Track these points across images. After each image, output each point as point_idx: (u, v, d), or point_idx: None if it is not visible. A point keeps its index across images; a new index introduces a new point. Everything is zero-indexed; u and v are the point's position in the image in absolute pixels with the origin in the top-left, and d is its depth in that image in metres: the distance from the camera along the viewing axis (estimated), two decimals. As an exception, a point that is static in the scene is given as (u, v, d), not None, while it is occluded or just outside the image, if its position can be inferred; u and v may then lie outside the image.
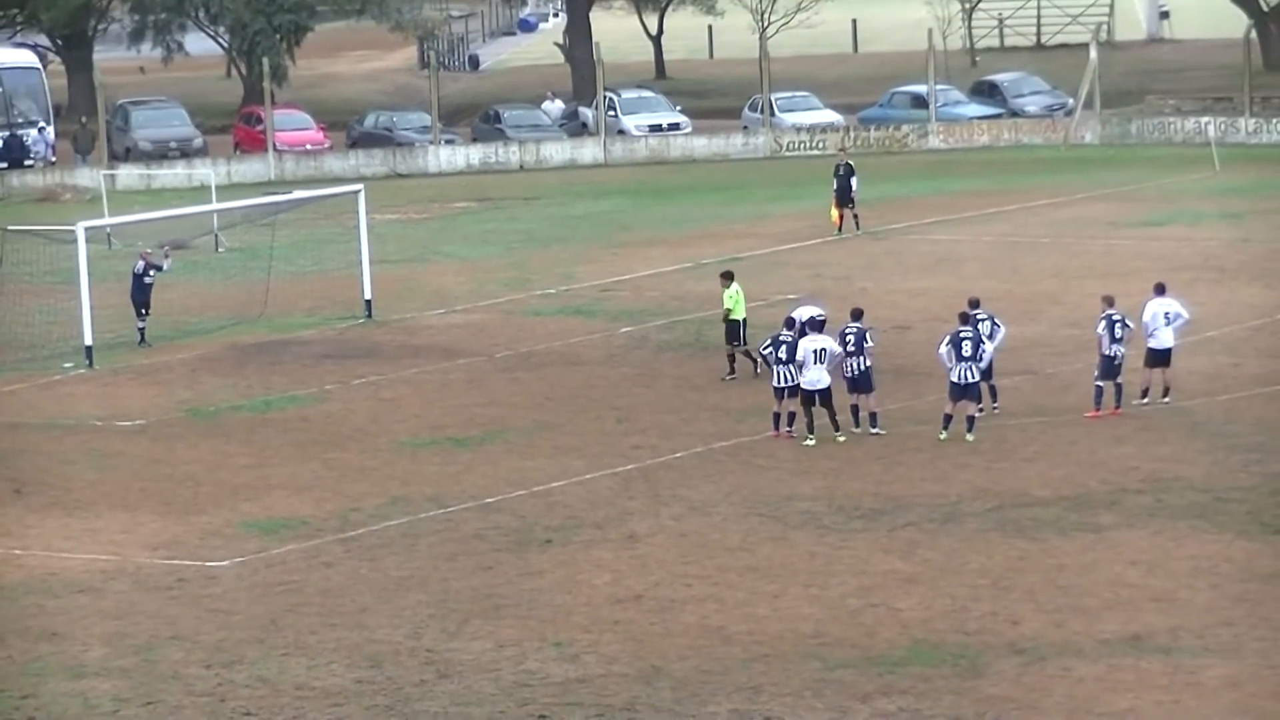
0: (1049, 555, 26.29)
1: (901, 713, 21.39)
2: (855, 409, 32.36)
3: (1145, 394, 33.31)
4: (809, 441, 31.81)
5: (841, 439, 31.90)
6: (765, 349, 32.52)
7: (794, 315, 36.24)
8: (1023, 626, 23.72)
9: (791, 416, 32.36)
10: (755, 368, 35.56)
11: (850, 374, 32.15)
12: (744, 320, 36.31)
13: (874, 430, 32.14)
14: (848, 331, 32.35)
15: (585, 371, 37.67)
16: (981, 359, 31.86)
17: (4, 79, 69.78)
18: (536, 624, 24.40)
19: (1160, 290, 33.99)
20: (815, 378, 31.74)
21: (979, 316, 32.54)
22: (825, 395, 31.80)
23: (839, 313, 38.24)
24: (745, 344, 36.20)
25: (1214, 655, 22.64)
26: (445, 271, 49.48)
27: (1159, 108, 70.46)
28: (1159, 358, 33.38)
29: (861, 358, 32.08)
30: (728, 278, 36.85)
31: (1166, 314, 33.50)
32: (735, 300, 36.44)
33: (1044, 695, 21.74)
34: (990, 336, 32.43)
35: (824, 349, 31.84)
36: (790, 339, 32.35)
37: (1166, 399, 33.31)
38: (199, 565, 27.22)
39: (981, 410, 32.26)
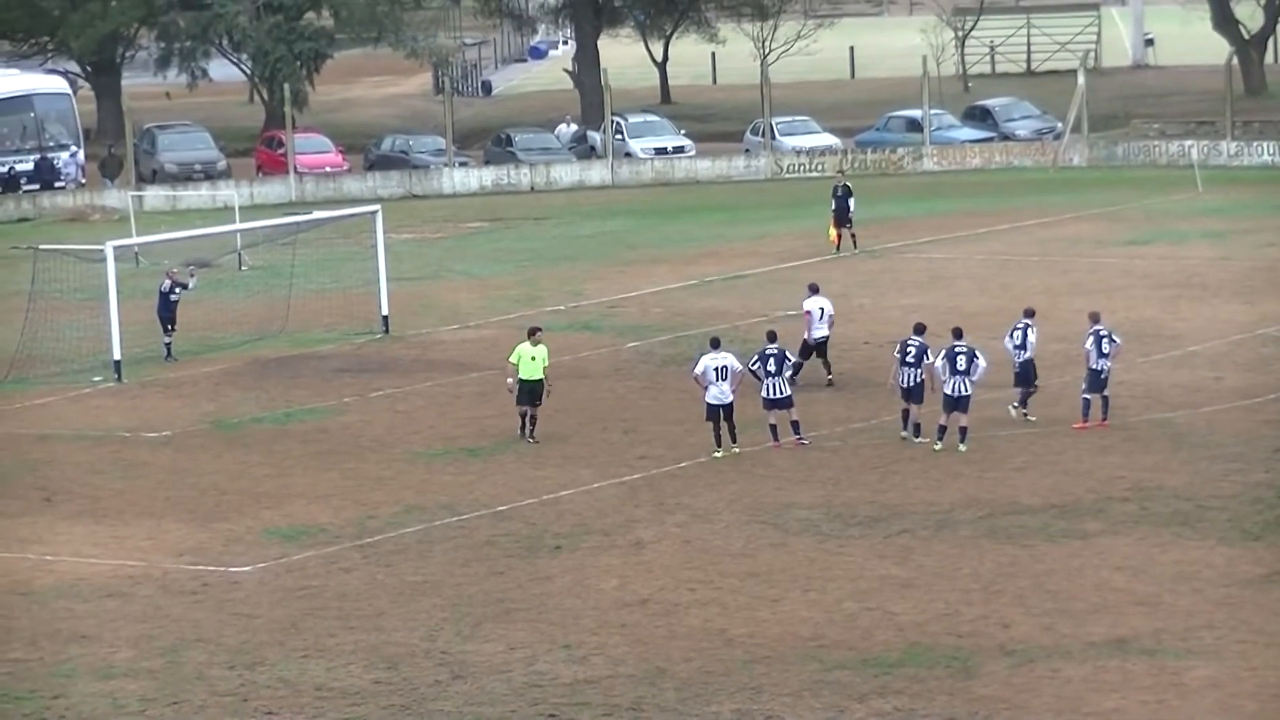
0: (1038, 561, 26.63)
1: (896, 712, 21.74)
2: (906, 413, 32.71)
3: None
4: (716, 454, 32.29)
5: (736, 450, 32.34)
6: (754, 365, 32.68)
7: (808, 304, 36.40)
8: (1013, 629, 24.09)
9: (795, 425, 32.90)
10: (526, 432, 33.68)
11: (905, 384, 32.59)
12: (542, 380, 33.52)
13: (918, 440, 32.45)
14: (909, 344, 32.70)
15: (592, 385, 37.83)
16: (974, 373, 32.20)
17: (36, 104, 70.11)
18: (546, 627, 24.74)
19: None
20: (717, 393, 32.21)
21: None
22: (728, 409, 32.26)
23: (847, 326, 38.70)
24: (540, 403, 33.68)
25: (1197, 657, 23.00)
26: (459, 288, 49.65)
27: (1144, 131, 70.57)
28: None
29: (917, 370, 32.44)
30: (533, 334, 33.89)
31: None
32: (533, 360, 33.45)
33: (1033, 696, 22.08)
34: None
35: (725, 366, 32.27)
36: (776, 351, 32.66)
37: None
38: (222, 571, 27.55)
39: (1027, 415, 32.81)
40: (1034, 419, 33.76)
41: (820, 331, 36.84)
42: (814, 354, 36.93)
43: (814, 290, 37.39)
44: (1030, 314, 34.10)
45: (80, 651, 24.58)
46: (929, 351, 32.50)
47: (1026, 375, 33.76)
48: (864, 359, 38.31)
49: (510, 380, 34.07)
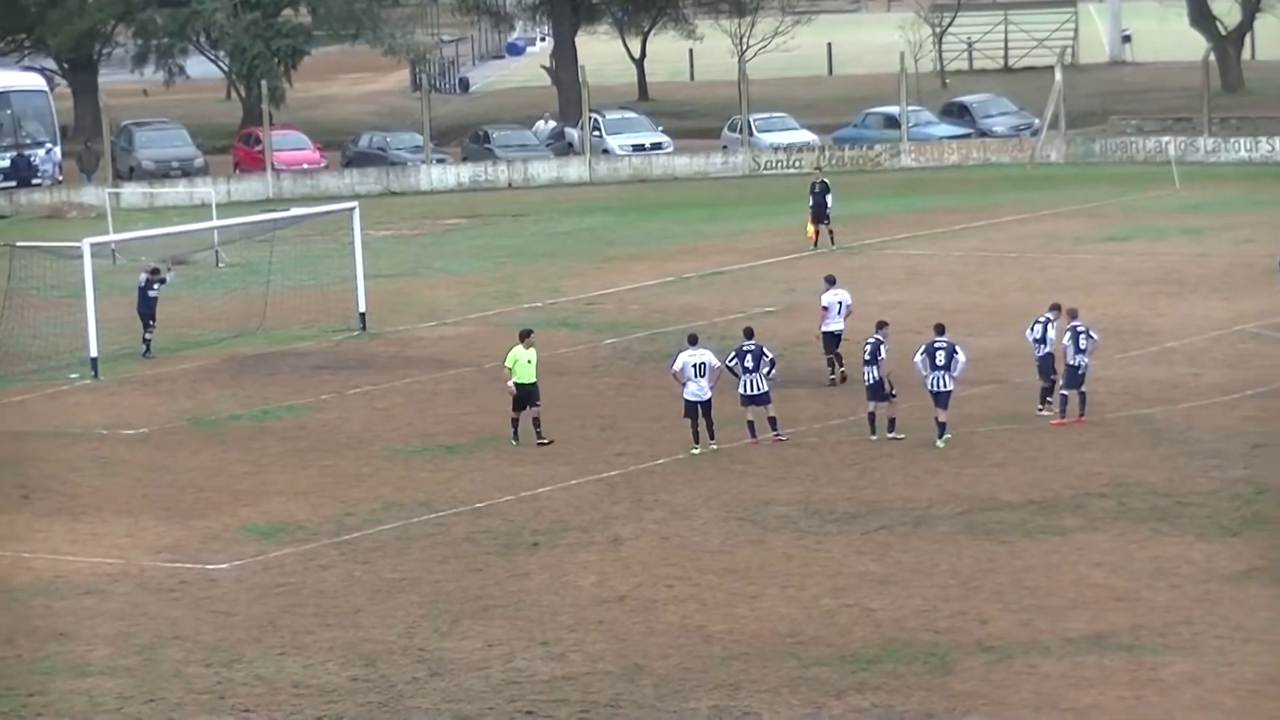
0: (1016, 557, 26.76)
1: (874, 708, 21.82)
2: (872, 416, 32.80)
3: None
4: (694, 451, 32.38)
5: (714, 447, 32.43)
6: (731, 361, 32.78)
7: (828, 299, 36.30)
8: (991, 625, 24.20)
9: (773, 422, 32.92)
10: (518, 433, 33.37)
11: (867, 382, 32.70)
12: (534, 384, 33.16)
13: (891, 435, 32.54)
14: (866, 342, 32.88)
15: (570, 381, 37.90)
16: (954, 369, 32.33)
17: (12, 101, 70.20)
18: (524, 624, 24.85)
19: None
20: (696, 390, 32.32)
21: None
22: (707, 406, 32.35)
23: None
24: (539, 403, 33.33)
25: (1174, 653, 23.12)
26: (436, 286, 49.77)
27: (1121, 128, 70.84)
28: None
29: (875, 367, 32.54)
30: (525, 336, 33.64)
31: None
32: (528, 363, 33.13)
33: (1011, 691, 22.18)
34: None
35: (704, 363, 32.38)
36: (753, 348, 32.76)
37: None
38: (200, 568, 27.64)
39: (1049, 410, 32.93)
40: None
41: (835, 325, 36.79)
42: (831, 348, 36.77)
43: (831, 283, 37.35)
44: (1055, 308, 34.19)
45: (58, 649, 24.66)
46: (884, 348, 32.61)
47: (1045, 370, 33.78)
48: (843, 355, 38.31)
49: (511, 384, 33.60)
